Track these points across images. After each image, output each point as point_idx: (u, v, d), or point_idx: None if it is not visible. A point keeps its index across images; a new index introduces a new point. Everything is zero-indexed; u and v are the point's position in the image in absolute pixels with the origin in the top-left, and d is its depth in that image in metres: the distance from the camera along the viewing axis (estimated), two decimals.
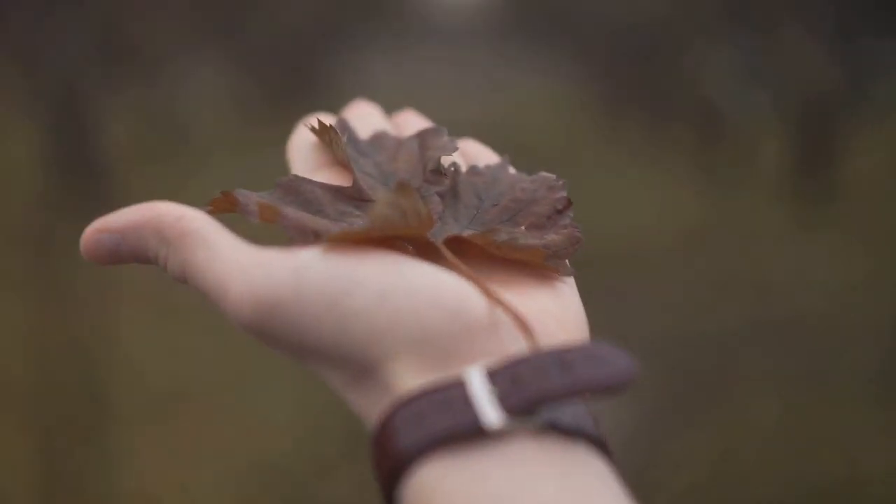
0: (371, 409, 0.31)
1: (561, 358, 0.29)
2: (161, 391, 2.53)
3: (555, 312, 0.33)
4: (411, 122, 0.46)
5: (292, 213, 0.34)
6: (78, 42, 4.60)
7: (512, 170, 0.41)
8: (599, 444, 0.29)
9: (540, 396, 0.28)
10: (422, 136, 0.42)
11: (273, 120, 7.10)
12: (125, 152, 5.35)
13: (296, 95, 7.64)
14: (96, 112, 4.97)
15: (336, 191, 0.37)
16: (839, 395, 2.49)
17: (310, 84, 7.90)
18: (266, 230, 0.34)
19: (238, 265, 0.32)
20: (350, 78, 9.12)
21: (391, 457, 0.29)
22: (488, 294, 0.31)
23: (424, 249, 0.34)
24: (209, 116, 6.68)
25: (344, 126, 0.43)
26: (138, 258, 0.34)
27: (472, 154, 0.44)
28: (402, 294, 0.30)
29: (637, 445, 2.15)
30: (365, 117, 0.46)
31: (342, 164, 0.40)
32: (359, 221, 0.35)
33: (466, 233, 0.35)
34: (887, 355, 2.66)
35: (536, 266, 0.35)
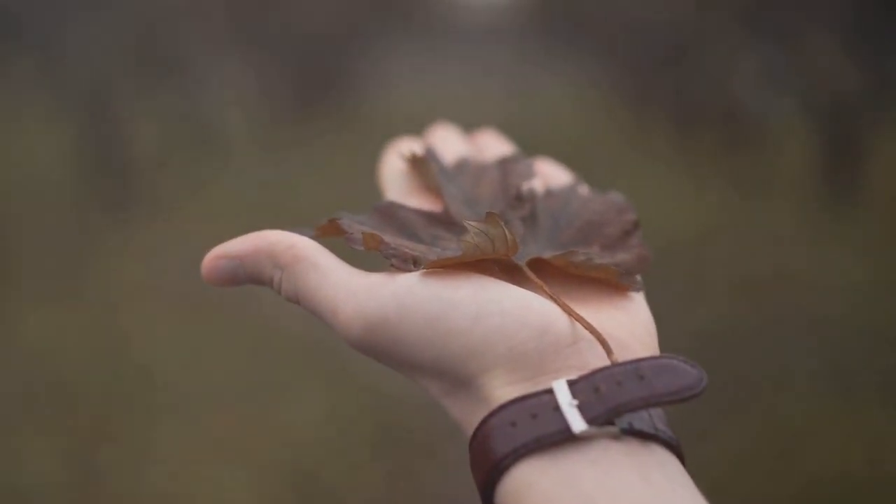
0: (468, 416, 0.34)
1: (637, 370, 0.32)
2: (190, 392, 2.52)
3: (628, 326, 0.36)
4: (491, 143, 0.51)
5: (392, 240, 0.37)
6: (106, 45, 4.63)
7: (582, 189, 0.45)
8: (673, 447, 0.33)
9: (619, 405, 0.31)
10: (503, 162, 0.46)
11: (299, 121, 7.13)
12: (154, 154, 5.37)
13: (321, 96, 7.65)
14: (125, 114, 5.00)
15: (428, 216, 0.41)
16: (862, 396, 2.48)
17: (335, 85, 7.91)
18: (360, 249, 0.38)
19: (347, 289, 0.35)
20: (375, 79, 9.11)
21: (488, 460, 0.32)
22: (570, 312, 0.35)
23: (509, 270, 0.38)
24: (236, 117, 6.69)
25: (432, 154, 0.46)
26: (254, 281, 0.38)
27: (546, 173, 0.48)
28: (494, 315, 0.34)
29: None
30: (447, 141, 0.50)
31: (431, 189, 0.44)
32: (450, 245, 0.39)
33: (547, 254, 0.38)
34: None
35: (610, 283, 0.38)
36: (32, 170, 5.11)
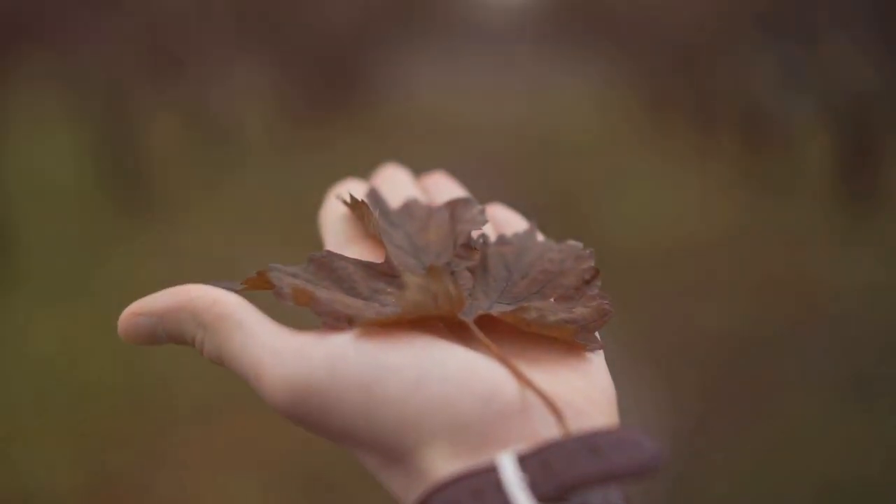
0: (405, 492, 0.31)
1: (591, 443, 0.30)
2: (203, 397, 2.52)
3: (585, 390, 0.33)
4: (441, 187, 0.47)
5: (325, 296, 0.35)
6: (123, 45, 4.64)
7: (540, 236, 0.42)
8: None
9: (570, 483, 0.29)
10: (452, 207, 0.42)
11: (315, 121, 7.14)
12: (170, 155, 5.38)
13: (338, 96, 7.67)
14: (141, 115, 5.01)
15: (368, 267, 0.38)
16: (881, 399, 2.47)
17: (352, 85, 7.93)
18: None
19: (272, 350, 0.32)
20: (394, 79, 9.13)
21: None
22: (519, 377, 0.32)
23: (455, 327, 0.35)
24: (253, 118, 6.70)
25: (375, 197, 0.43)
26: (175, 340, 0.35)
27: (500, 220, 0.44)
28: (434, 381, 0.31)
29: (675, 449, 2.13)
30: (394, 183, 0.46)
31: (374, 237, 0.41)
32: (391, 299, 0.36)
33: (496, 310, 0.35)
34: None
35: (566, 342, 0.35)
36: (48, 171, 5.13)
